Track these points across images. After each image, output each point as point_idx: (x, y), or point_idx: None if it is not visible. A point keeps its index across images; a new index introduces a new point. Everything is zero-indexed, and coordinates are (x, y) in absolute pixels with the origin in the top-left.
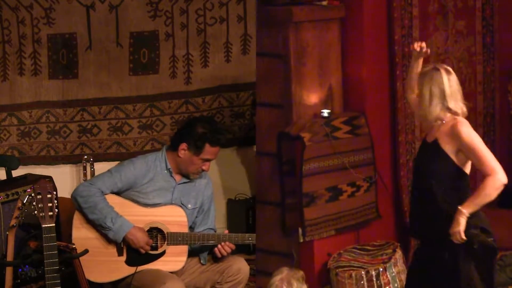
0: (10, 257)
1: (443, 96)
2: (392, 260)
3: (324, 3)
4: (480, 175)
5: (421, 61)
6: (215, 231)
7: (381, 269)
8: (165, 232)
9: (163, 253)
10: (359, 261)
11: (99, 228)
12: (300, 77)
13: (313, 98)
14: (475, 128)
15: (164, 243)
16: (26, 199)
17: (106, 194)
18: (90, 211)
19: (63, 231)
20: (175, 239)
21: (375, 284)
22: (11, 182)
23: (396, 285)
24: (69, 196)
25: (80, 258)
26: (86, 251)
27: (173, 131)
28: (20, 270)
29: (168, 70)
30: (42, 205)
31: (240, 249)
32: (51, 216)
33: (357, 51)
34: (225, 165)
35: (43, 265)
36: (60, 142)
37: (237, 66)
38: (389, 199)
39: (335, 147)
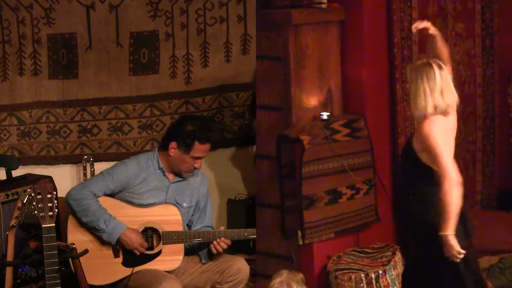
0: (10, 257)
1: (433, 92)
2: (392, 263)
3: (324, 5)
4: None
5: (435, 42)
6: (213, 229)
7: (380, 272)
8: (160, 231)
9: (159, 253)
10: (358, 263)
11: (93, 230)
12: (300, 79)
13: (312, 100)
14: (474, 130)
15: (160, 242)
16: (26, 199)
17: (99, 197)
18: (83, 214)
19: (63, 231)
20: (171, 238)
21: (375, 287)
22: (11, 182)
23: (395, 287)
24: None
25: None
26: (86, 251)
27: None
28: (20, 270)
29: (168, 70)
30: (42, 205)
31: (240, 249)
32: (51, 216)
33: (356, 54)
34: (225, 165)
35: (43, 265)
36: (60, 142)
37: (237, 66)
38: (388, 201)
39: (334, 149)
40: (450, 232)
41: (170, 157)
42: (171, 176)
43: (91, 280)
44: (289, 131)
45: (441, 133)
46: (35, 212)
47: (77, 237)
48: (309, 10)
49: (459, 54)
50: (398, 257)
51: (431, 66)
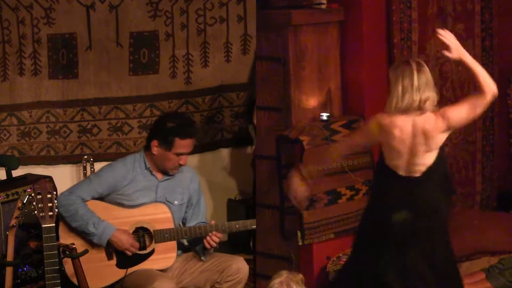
0: (10, 257)
1: (411, 90)
2: None
3: (323, 6)
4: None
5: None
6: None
7: None
8: (151, 230)
9: (152, 252)
10: None
11: (83, 235)
12: (299, 80)
13: (312, 101)
14: (474, 131)
15: (152, 241)
16: (26, 199)
17: (87, 201)
18: (72, 219)
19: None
20: (162, 236)
21: None
22: (11, 182)
23: None
24: None
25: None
26: (86, 251)
27: None
28: (20, 270)
29: (168, 70)
30: (42, 205)
31: (240, 249)
32: (51, 216)
33: (356, 55)
34: (225, 165)
35: (43, 265)
36: (60, 142)
37: (237, 66)
38: None
39: None
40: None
41: (154, 155)
42: (159, 175)
43: (88, 285)
44: (288, 131)
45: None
46: (35, 212)
47: (68, 242)
48: (309, 10)
49: None
50: None
51: (409, 64)
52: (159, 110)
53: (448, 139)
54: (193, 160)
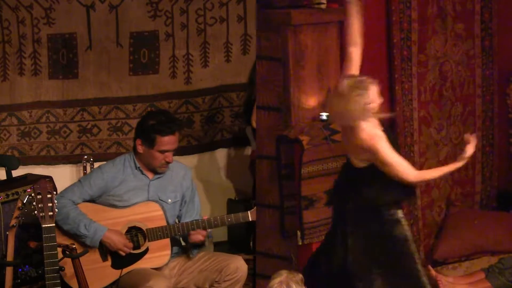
0: (10, 257)
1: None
2: None
3: (323, 6)
4: None
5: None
6: None
7: None
8: (144, 229)
9: (146, 251)
10: None
11: (75, 237)
12: (299, 80)
13: (311, 101)
14: (474, 131)
15: (145, 240)
16: (26, 199)
17: (78, 204)
18: (63, 222)
19: None
20: (155, 234)
21: None
22: (11, 182)
23: None
24: None
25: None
26: (86, 251)
27: None
28: (20, 270)
29: (168, 70)
30: (42, 205)
31: (239, 249)
32: (51, 216)
33: None
34: (225, 165)
35: (43, 265)
36: (60, 142)
37: (237, 66)
38: None
39: (333, 150)
40: None
41: (140, 154)
42: (150, 174)
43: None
44: (288, 131)
45: None
46: (35, 212)
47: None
48: (309, 10)
49: (459, 55)
50: None
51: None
52: None
53: (448, 138)
54: (193, 160)
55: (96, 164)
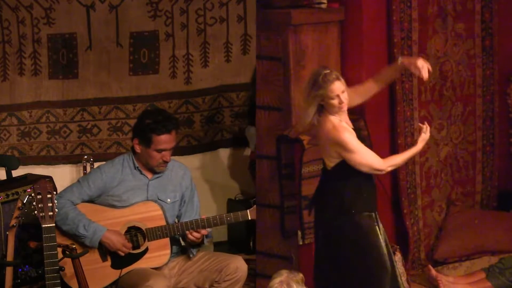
0: (10, 257)
1: None
2: None
3: (324, 6)
4: None
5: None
6: None
7: None
8: (143, 229)
9: (146, 251)
10: None
11: (74, 238)
12: (299, 80)
13: None
14: (474, 131)
15: (145, 240)
16: (26, 199)
17: (77, 204)
18: (62, 223)
19: None
20: (155, 234)
21: None
22: (11, 182)
23: None
24: None
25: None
26: (86, 251)
27: None
28: (20, 270)
29: (168, 70)
30: (42, 205)
31: (239, 249)
32: (51, 216)
33: (356, 54)
34: (225, 165)
35: (43, 265)
36: (60, 142)
37: (237, 66)
38: (388, 202)
39: None
40: None
41: (138, 154)
42: (149, 174)
43: None
44: (288, 131)
45: None
46: (35, 212)
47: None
48: (309, 10)
49: (459, 55)
50: (398, 257)
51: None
52: None
53: (449, 138)
54: (193, 160)
55: (96, 164)
